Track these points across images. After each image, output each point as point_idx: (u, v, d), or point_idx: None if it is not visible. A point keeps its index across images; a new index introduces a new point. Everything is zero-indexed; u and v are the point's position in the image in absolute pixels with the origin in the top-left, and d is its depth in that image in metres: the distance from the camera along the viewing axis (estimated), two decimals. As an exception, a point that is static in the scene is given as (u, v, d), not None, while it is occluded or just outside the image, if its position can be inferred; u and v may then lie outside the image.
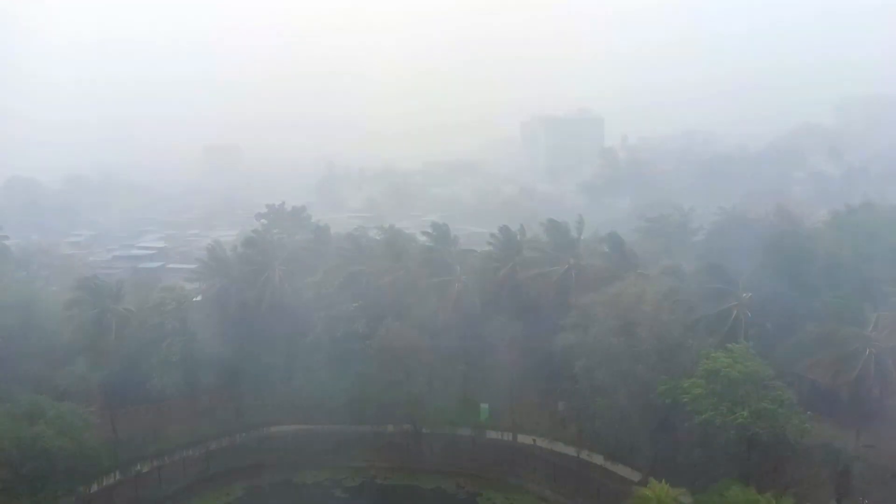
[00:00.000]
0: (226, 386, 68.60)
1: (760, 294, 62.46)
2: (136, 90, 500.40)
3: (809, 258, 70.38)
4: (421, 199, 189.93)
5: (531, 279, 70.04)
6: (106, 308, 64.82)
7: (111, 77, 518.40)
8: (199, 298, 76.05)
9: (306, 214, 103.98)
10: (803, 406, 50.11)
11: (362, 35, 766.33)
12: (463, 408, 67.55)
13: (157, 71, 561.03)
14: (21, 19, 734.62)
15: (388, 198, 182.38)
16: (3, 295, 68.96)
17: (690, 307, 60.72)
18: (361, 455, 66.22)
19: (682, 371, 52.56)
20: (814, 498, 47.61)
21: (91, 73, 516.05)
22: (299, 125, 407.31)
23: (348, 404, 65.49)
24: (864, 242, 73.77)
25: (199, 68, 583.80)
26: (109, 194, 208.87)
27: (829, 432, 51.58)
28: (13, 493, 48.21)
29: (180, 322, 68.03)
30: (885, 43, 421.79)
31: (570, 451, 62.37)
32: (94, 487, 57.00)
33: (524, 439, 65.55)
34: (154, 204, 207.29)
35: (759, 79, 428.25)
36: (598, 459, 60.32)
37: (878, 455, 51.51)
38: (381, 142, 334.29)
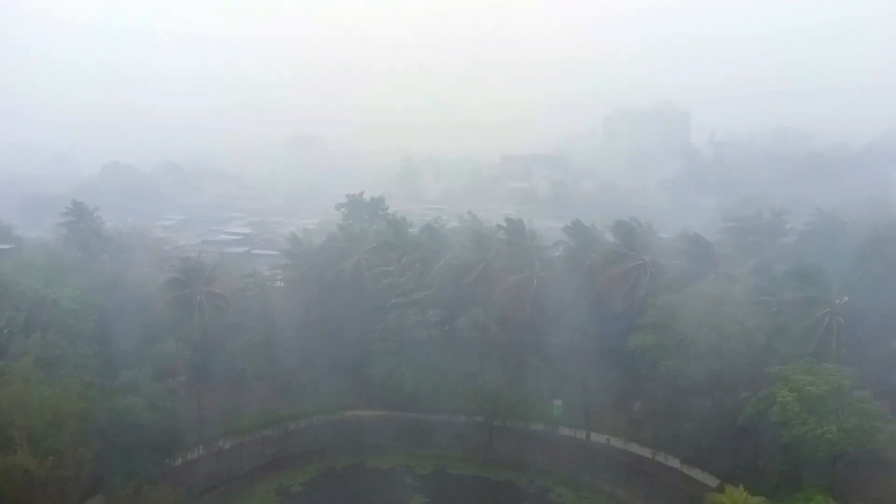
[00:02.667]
0: (304, 369, 70.47)
1: (855, 300, 59.35)
2: (226, 82, 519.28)
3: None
4: (498, 192, 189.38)
5: (607, 277, 68.88)
6: (197, 290, 67.58)
7: (205, 69, 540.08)
8: (280, 284, 78.39)
9: (384, 205, 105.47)
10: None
11: (439, 27, 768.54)
12: (536, 403, 67.14)
13: (244, 64, 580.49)
14: (126, 14, 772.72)
15: (465, 190, 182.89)
16: (101, 275, 72.86)
17: (779, 311, 58.29)
18: (433, 444, 66.84)
19: (769, 378, 50.69)
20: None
21: (187, 65, 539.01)
22: (381, 117, 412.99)
23: (422, 393, 66.31)
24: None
25: (284, 62, 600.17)
26: (199, 181, 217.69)
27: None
28: (107, 464, 50.73)
29: (263, 306, 70.34)
30: None
31: (646, 452, 61.15)
32: (179, 461, 59.64)
33: (597, 438, 64.70)
34: (240, 191, 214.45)
35: (859, 75, 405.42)
36: (674, 463, 58.89)
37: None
38: (460, 134, 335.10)
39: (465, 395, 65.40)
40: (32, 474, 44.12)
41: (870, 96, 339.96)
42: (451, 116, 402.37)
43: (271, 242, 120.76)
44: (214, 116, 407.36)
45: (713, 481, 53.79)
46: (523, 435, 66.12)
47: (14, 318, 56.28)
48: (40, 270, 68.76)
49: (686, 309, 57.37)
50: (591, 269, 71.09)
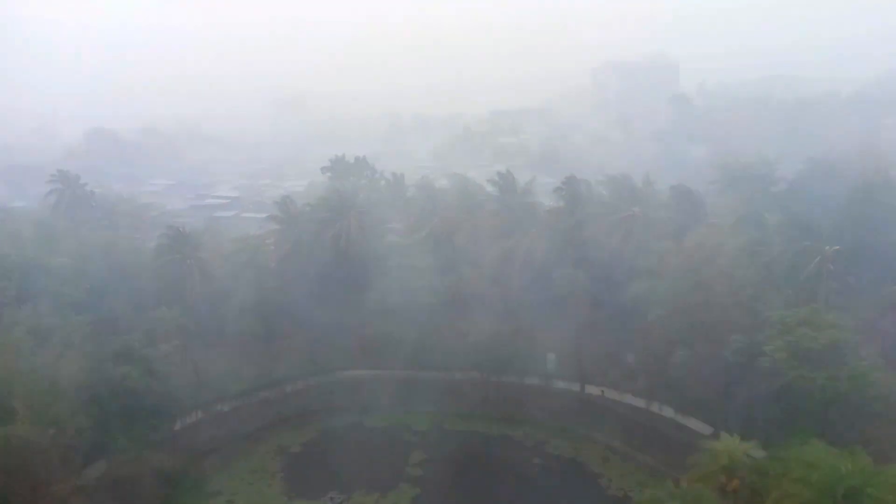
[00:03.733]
0: (300, 331, 70.63)
1: (845, 247, 59.69)
2: (204, 42, 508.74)
3: (898, 210, 66.74)
4: (488, 148, 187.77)
5: (597, 230, 69.00)
6: (187, 255, 67.13)
7: (180, 29, 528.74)
8: (272, 247, 77.99)
9: (369, 165, 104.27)
10: (887, 363, 48.28)
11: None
12: (530, 357, 67.67)
13: (225, 22, 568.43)
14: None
15: (454, 147, 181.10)
16: (91, 243, 72.27)
17: (770, 259, 58.60)
18: (429, 401, 67.56)
19: (768, 324, 51.19)
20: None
21: (168, 29, 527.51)
22: (366, 75, 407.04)
23: (417, 351, 66.71)
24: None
25: (266, 18, 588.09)
26: (184, 145, 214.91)
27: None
28: (106, 431, 51.03)
29: (255, 270, 70.12)
30: None
31: (640, 403, 61.94)
32: (178, 425, 60.08)
33: (592, 390, 65.45)
34: (226, 154, 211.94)
35: (848, 18, 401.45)
36: (668, 412, 59.74)
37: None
38: (449, 92, 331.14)
39: (459, 352, 65.85)
40: (32, 443, 44.30)
41: (859, 41, 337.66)
42: (438, 74, 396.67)
43: (260, 205, 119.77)
44: (198, 80, 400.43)
45: (707, 429, 54.63)
46: (518, 389, 66.90)
47: (5, 288, 55.91)
48: (29, 240, 68.16)
49: (675, 259, 57.61)
50: (582, 223, 71.20)
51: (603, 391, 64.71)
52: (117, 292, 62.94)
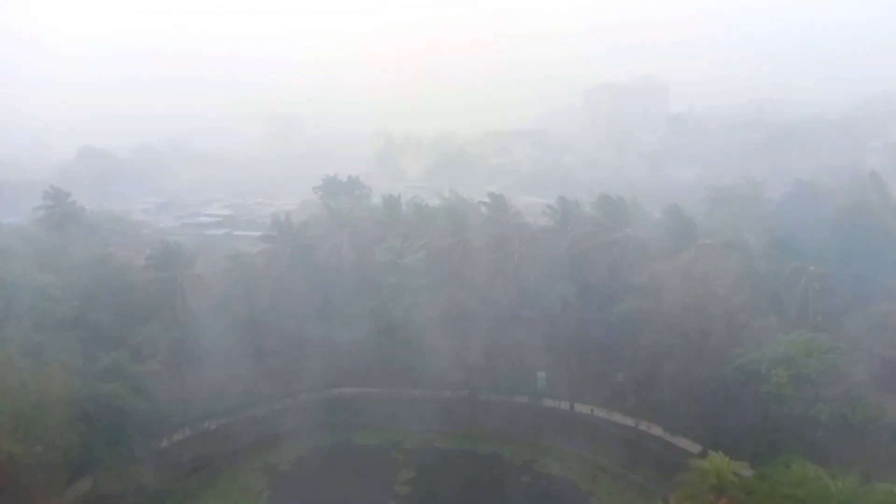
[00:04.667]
0: (289, 348, 70.55)
1: (829, 268, 60.49)
2: (196, 59, 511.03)
3: (883, 231, 67.59)
4: (479, 169, 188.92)
5: (588, 251, 69.56)
6: (177, 273, 67.15)
7: (171, 48, 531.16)
8: (263, 265, 78.01)
9: (360, 185, 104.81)
10: (873, 382, 48.81)
11: (420, 6, 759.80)
12: (520, 376, 67.80)
13: (216, 40, 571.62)
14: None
15: (445, 168, 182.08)
16: (82, 260, 72.07)
17: (756, 281, 59.28)
18: (419, 419, 67.40)
19: (749, 347, 51.72)
20: (883, 477, 46.27)
21: (154, 45, 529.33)
22: (358, 96, 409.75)
23: (407, 369, 66.73)
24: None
25: (257, 38, 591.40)
26: (177, 163, 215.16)
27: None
28: (93, 447, 50.62)
29: (246, 287, 70.14)
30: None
31: (629, 421, 62.05)
32: (165, 442, 59.70)
33: (581, 408, 65.52)
34: (218, 172, 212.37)
35: (836, 42, 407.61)
36: (657, 431, 59.87)
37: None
38: (440, 112, 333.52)
39: (449, 370, 65.89)
40: (18, 459, 43.99)
41: (845, 65, 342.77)
42: (430, 95, 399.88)
43: (252, 224, 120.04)
44: (189, 98, 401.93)
45: (696, 448, 54.80)
46: (508, 408, 66.84)
47: (-7, 304, 55.73)
48: (19, 256, 67.97)
49: (666, 281, 58.10)
50: (573, 243, 71.81)
51: (592, 409, 64.80)
52: (106, 309, 62.73)
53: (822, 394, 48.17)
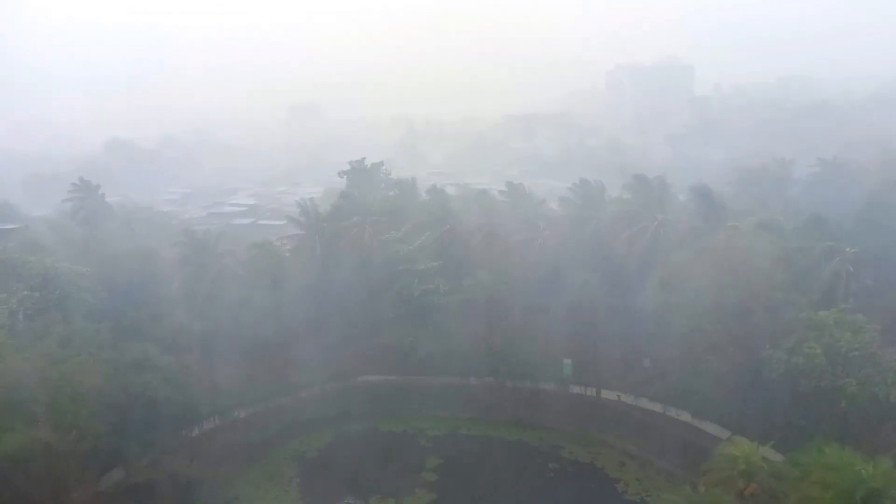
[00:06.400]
0: (315, 337, 70.93)
1: (862, 248, 59.27)
2: (218, 49, 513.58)
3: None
4: (501, 154, 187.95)
5: (617, 234, 68.87)
6: (206, 262, 67.73)
7: (195, 37, 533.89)
8: (288, 254, 78.52)
9: (385, 170, 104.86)
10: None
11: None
12: (546, 363, 67.63)
13: (239, 29, 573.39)
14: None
15: (467, 153, 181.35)
16: (108, 250, 73.02)
17: (790, 262, 58.33)
18: (445, 406, 67.64)
19: (785, 329, 50.92)
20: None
21: (177, 34, 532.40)
22: (378, 82, 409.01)
23: (432, 356, 66.85)
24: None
25: (280, 26, 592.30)
26: (201, 154, 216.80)
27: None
28: (124, 437, 51.47)
29: (272, 276, 70.56)
30: None
31: (656, 407, 61.62)
32: (195, 431, 60.47)
33: (608, 395, 65.21)
34: (243, 162, 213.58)
35: (864, 18, 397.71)
36: (684, 417, 59.41)
37: None
38: (461, 96, 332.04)
39: (475, 357, 65.88)
40: (54, 448, 44.88)
41: (875, 42, 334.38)
42: (451, 79, 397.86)
43: (276, 212, 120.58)
44: (212, 88, 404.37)
45: (724, 434, 54.26)
46: (534, 394, 66.73)
47: (27, 297, 56.69)
48: (49, 248, 69.06)
49: (700, 263, 57.44)
50: (598, 228, 71.13)
51: (619, 396, 64.47)
52: (137, 299, 63.52)
53: (853, 372, 47.26)
